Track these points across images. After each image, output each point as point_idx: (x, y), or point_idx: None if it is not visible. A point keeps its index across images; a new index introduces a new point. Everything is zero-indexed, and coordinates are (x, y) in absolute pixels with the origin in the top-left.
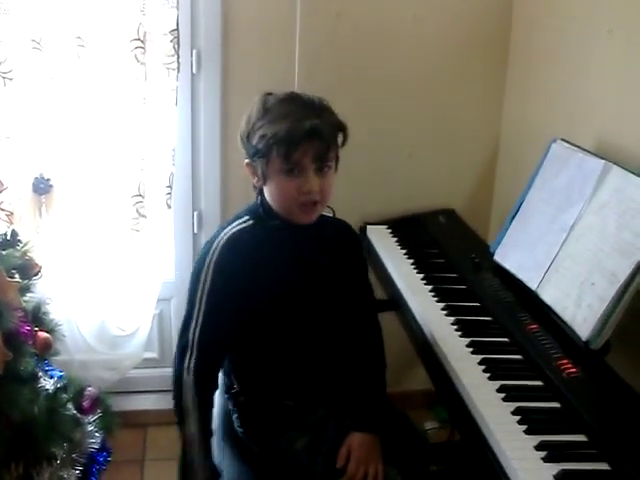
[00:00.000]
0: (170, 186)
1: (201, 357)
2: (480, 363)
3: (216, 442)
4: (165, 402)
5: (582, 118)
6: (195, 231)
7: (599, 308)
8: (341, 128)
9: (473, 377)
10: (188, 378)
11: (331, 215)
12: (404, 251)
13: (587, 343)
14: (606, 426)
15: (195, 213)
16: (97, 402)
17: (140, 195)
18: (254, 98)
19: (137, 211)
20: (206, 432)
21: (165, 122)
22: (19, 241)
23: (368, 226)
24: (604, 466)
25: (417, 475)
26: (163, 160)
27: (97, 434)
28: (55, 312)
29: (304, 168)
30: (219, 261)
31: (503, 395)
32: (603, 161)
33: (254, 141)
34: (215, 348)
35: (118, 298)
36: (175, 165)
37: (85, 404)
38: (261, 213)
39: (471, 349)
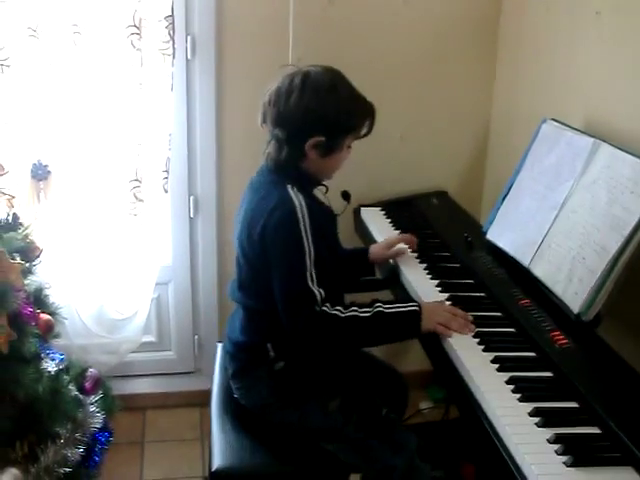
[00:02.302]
0: (167, 171)
1: (326, 293)
2: (475, 336)
3: (215, 417)
4: (163, 385)
5: (572, 99)
6: (191, 215)
7: (590, 281)
8: None
9: (468, 349)
10: (328, 309)
11: None
12: (398, 231)
13: (578, 316)
14: (597, 393)
15: (191, 198)
16: (98, 383)
17: (137, 180)
18: (293, 76)
19: (134, 196)
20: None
21: (161, 107)
22: (20, 224)
23: (362, 208)
24: (595, 430)
25: (399, 407)
26: (159, 145)
27: (99, 414)
28: (54, 297)
29: None
30: (312, 222)
31: (497, 366)
32: (592, 139)
33: (338, 117)
34: (331, 286)
35: (116, 282)
36: (171, 150)
37: (87, 385)
38: (303, 181)
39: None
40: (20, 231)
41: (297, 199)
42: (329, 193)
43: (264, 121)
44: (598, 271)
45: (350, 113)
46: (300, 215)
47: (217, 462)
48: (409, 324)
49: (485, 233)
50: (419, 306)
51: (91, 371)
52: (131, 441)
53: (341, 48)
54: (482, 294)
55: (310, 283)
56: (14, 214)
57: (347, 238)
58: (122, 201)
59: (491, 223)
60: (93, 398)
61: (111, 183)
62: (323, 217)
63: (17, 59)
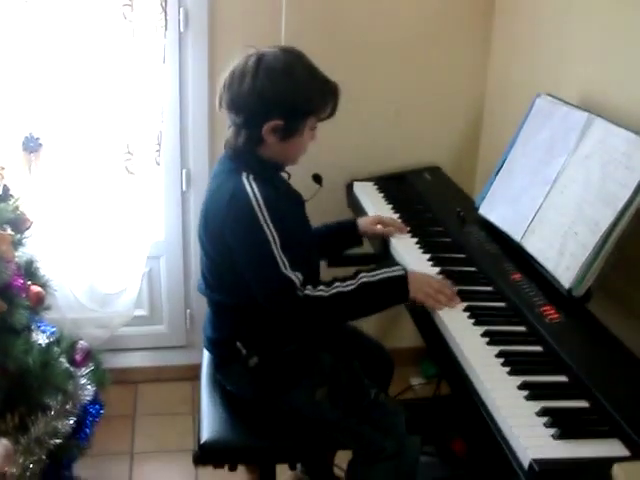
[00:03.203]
0: (159, 144)
1: (309, 279)
2: (465, 310)
3: (205, 390)
4: (155, 359)
5: (567, 74)
6: (184, 189)
7: (582, 257)
8: None
9: (458, 322)
10: (311, 292)
11: None
12: (390, 206)
13: (569, 291)
14: (586, 368)
15: (184, 171)
16: (89, 355)
17: (129, 153)
18: (247, 58)
19: (126, 169)
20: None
21: (153, 80)
22: (11, 195)
23: (355, 182)
24: (584, 404)
25: (383, 382)
26: (151, 118)
27: (89, 387)
28: (46, 269)
29: None
30: (272, 210)
31: (487, 339)
32: (587, 113)
33: (295, 100)
34: (303, 266)
35: (108, 256)
36: (163, 123)
37: (77, 357)
38: (261, 167)
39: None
40: (11, 203)
41: (251, 189)
42: (307, 174)
43: (220, 105)
44: (590, 246)
45: (308, 95)
46: (255, 205)
47: (205, 435)
48: (396, 289)
49: (477, 208)
50: (404, 270)
51: (82, 343)
52: (122, 414)
53: (335, 23)
54: (473, 269)
55: (283, 269)
56: (5, 185)
57: (340, 212)
58: (114, 174)
59: (483, 198)
60: (84, 370)
61: (102, 156)
62: (286, 202)
63: (8, 30)
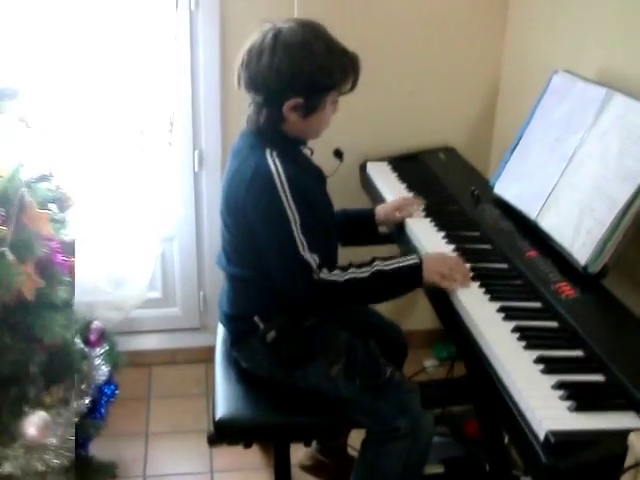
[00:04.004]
0: (171, 124)
1: (326, 262)
2: (480, 286)
3: (219, 368)
4: (169, 341)
5: (585, 49)
6: (196, 170)
7: (598, 233)
8: None
9: (474, 299)
10: (326, 276)
11: None
12: (404, 185)
13: (585, 267)
14: (602, 343)
15: (196, 152)
16: (103, 336)
17: (141, 134)
18: (264, 34)
19: (138, 150)
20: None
21: (165, 60)
22: (52, 176)
23: (368, 163)
24: (599, 377)
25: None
26: (163, 98)
27: (104, 367)
28: None
29: None
30: (294, 187)
31: (503, 315)
32: (605, 89)
33: (314, 76)
34: (321, 248)
35: (121, 238)
36: (175, 103)
37: (92, 337)
38: (284, 143)
39: (471, 274)
40: (52, 182)
41: (274, 166)
42: (327, 150)
43: (239, 84)
44: (607, 223)
45: (328, 70)
46: (278, 183)
47: (220, 413)
48: (410, 278)
49: (492, 188)
50: (419, 259)
51: (96, 324)
52: (137, 396)
53: (350, 4)
54: (488, 246)
55: (302, 250)
56: (48, 166)
57: (354, 193)
58: (126, 155)
59: (498, 177)
60: (98, 351)
61: (114, 137)
62: (309, 180)
63: (24, 10)
